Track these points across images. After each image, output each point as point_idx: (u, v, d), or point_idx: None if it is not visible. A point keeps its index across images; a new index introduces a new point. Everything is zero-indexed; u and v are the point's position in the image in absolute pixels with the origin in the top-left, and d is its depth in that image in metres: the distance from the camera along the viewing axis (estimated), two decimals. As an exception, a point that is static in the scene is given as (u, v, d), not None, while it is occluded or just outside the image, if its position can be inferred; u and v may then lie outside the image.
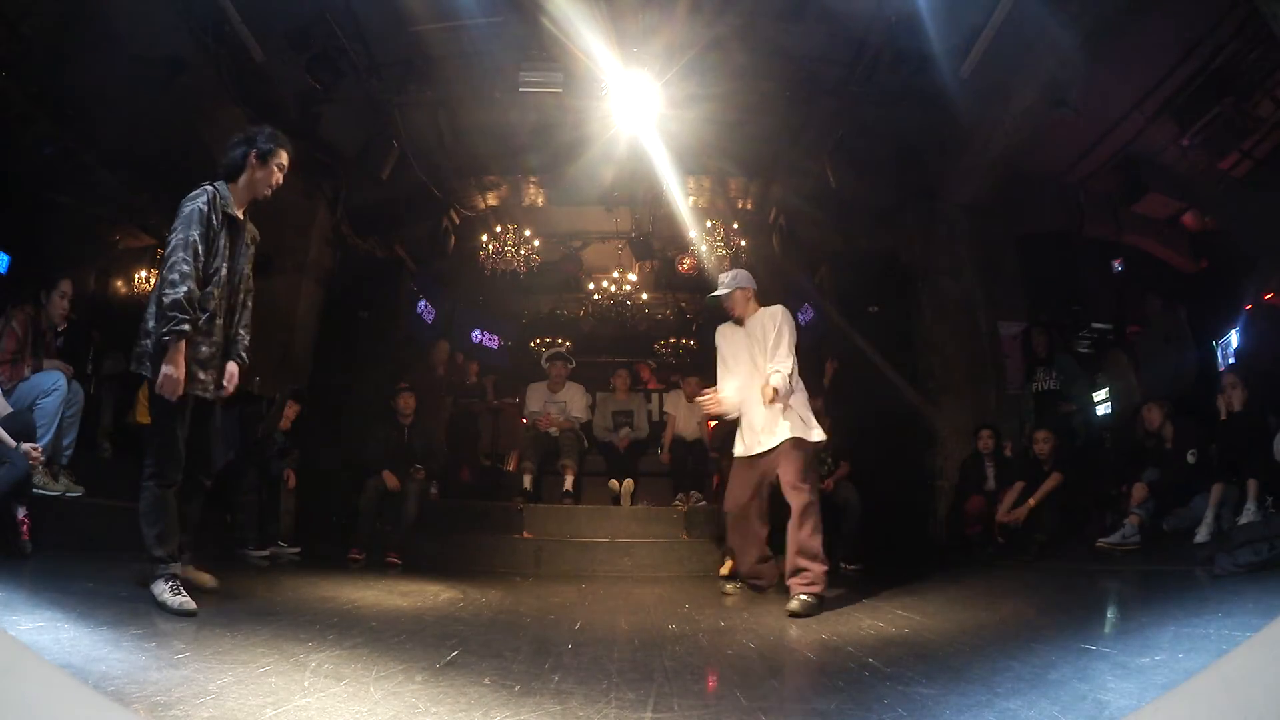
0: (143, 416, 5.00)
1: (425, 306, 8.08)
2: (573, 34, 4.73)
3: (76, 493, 3.76)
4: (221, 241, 2.69)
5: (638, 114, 5.46)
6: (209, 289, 2.66)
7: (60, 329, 4.17)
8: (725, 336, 3.86)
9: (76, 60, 4.91)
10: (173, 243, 2.56)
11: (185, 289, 2.51)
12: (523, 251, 8.56)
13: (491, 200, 7.92)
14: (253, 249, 2.90)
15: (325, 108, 5.70)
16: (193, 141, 5.70)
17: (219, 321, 2.72)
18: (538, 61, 5.23)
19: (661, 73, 5.10)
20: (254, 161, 2.76)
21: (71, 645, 1.78)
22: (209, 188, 2.67)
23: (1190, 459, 4.07)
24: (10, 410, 3.26)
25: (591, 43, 4.79)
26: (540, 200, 7.93)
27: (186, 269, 2.52)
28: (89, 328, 5.92)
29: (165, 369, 2.50)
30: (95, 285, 6.99)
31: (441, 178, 6.91)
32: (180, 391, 2.53)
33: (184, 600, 2.45)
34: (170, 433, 2.60)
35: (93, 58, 4.90)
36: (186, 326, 2.51)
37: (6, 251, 5.50)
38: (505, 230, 8.48)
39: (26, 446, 3.07)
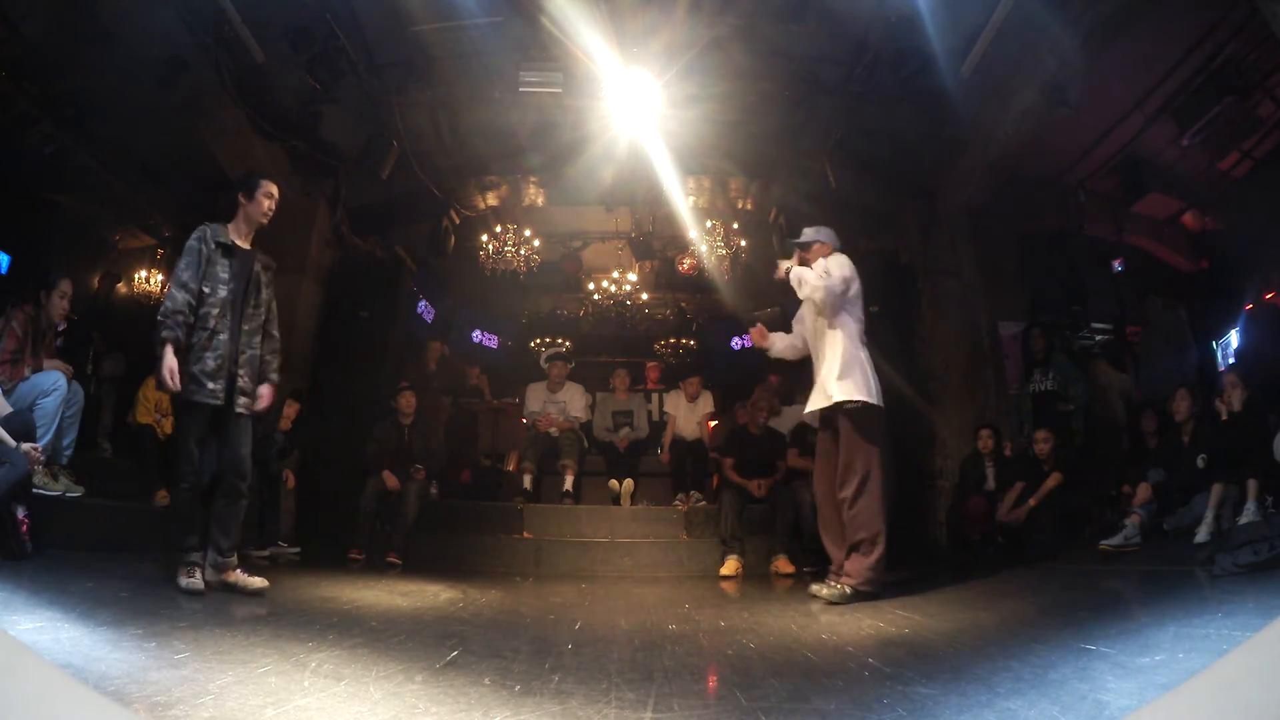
0: (144, 417, 5.04)
1: (425, 306, 8.08)
2: (573, 34, 4.73)
3: (76, 493, 3.76)
4: (218, 269, 3.11)
5: (638, 114, 5.45)
6: (206, 309, 3.05)
7: (60, 329, 4.17)
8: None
9: (77, 60, 4.91)
10: (174, 273, 3.11)
11: (167, 304, 3.00)
12: (523, 251, 8.55)
13: (491, 200, 7.90)
14: (267, 274, 3.32)
15: (325, 108, 5.70)
16: (193, 141, 5.70)
17: (223, 337, 3.08)
18: (538, 61, 5.23)
19: (661, 73, 5.10)
20: (243, 200, 3.26)
21: (71, 645, 1.78)
22: (202, 227, 3.15)
23: (1200, 463, 4.05)
24: (10, 410, 3.26)
25: (591, 43, 4.79)
26: (540, 200, 7.91)
27: (174, 291, 3.03)
28: (89, 328, 5.93)
29: (159, 366, 2.95)
30: (95, 285, 6.99)
31: (441, 178, 6.90)
32: (175, 386, 2.95)
33: (192, 581, 2.90)
34: (184, 441, 3.03)
35: (93, 58, 4.91)
36: (167, 333, 2.96)
37: (6, 251, 5.52)
38: (505, 230, 8.47)
39: (26, 446, 3.07)
